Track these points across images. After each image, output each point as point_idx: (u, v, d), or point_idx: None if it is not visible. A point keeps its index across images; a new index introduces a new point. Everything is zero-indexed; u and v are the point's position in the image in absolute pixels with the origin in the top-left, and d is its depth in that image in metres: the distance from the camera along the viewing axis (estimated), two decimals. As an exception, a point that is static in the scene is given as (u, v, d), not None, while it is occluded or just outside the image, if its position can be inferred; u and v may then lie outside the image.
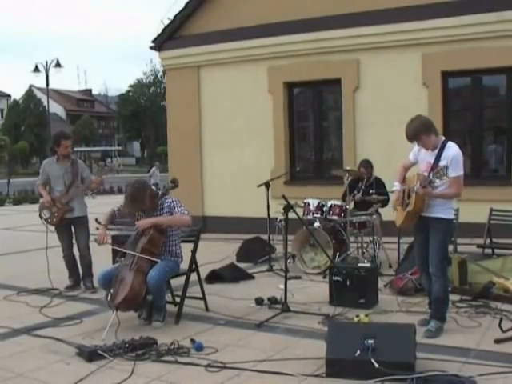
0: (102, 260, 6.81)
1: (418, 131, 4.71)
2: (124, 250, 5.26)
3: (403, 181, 4.99)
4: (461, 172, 4.66)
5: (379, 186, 7.86)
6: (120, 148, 71.27)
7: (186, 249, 5.59)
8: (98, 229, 5.52)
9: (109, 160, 60.26)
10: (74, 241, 6.96)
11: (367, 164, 8.01)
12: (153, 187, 5.60)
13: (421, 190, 4.63)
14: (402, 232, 7.17)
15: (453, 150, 4.68)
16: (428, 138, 4.71)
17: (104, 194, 24.37)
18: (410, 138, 4.78)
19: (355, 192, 7.89)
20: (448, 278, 4.96)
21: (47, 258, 6.61)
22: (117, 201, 6.23)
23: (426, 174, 4.68)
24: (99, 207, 8.49)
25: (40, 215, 6.78)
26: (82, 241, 6.84)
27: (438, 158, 4.67)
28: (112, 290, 5.02)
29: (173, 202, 5.35)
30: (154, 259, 5.13)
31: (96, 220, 7.07)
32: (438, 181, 4.55)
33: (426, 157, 4.79)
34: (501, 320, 4.76)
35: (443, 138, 4.81)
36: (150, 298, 5.25)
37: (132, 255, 5.15)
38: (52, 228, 6.81)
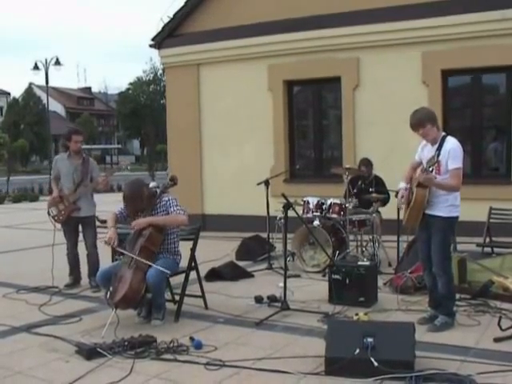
0: (102, 259, 6.81)
1: (423, 119, 4.77)
2: (124, 252, 5.25)
3: (410, 180, 5.01)
4: (458, 164, 4.68)
5: (379, 184, 7.86)
6: (120, 146, 71.20)
7: (185, 247, 5.59)
8: (98, 227, 5.51)
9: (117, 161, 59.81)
10: (79, 240, 6.95)
11: (367, 162, 8.01)
12: (150, 185, 5.58)
13: (421, 176, 4.68)
14: (402, 230, 7.17)
15: (451, 143, 4.74)
16: (432, 127, 4.78)
17: (104, 193, 24.31)
18: (414, 126, 4.83)
19: (354, 191, 7.89)
20: (452, 274, 4.97)
21: (53, 255, 6.60)
22: (116, 199, 6.22)
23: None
24: (99, 206, 8.44)
25: (48, 212, 6.79)
26: (89, 240, 6.81)
27: (438, 152, 4.72)
28: (111, 288, 5.02)
29: (169, 200, 5.34)
30: (149, 263, 5.09)
31: (97, 218, 7.07)
32: (431, 168, 4.62)
33: (428, 153, 4.83)
34: (500, 319, 4.77)
35: (443, 134, 4.86)
36: (150, 296, 5.25)
37: (131, 253, 5.14)
38: (58, 226, 6.80)
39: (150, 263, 5.08)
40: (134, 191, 5.26)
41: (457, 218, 4.85)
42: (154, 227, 5.20)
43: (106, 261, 6.51)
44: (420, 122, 4.78)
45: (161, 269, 5.01)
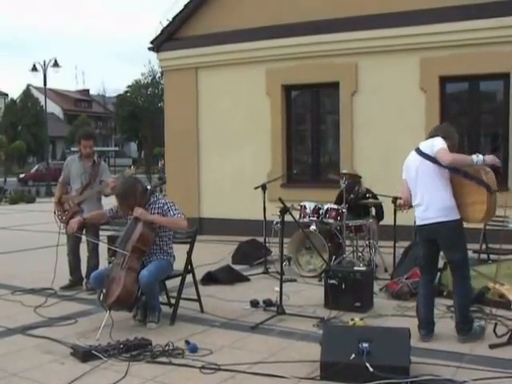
0: (103, 262, 6.79)
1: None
2: (117, 249, 5.24)
3: None
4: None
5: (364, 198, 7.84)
6: (117, 149, 71.12)
7: (181, 250, 5.59)
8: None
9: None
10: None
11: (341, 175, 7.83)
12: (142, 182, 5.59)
13: None
14: (398, 236, 7.19)
15: None
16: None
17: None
18: None
19: (351, 196, 7.88)
20: (424, 287, 4.86)
21: (57, 255, 6.56)
22: (110, 201, 6.21)
23: None
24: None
25: (54, 211, 6.80)
26: (90, 243, 6.77)
27: None
28: (104, 290, 5.02)
29: (167, 204, 5.32)
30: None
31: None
32: None
33: None
34: (495, 325, 4.77)
35: None
36: (145, 299, 5.25)
37: (123, 254, 5.15)
38: (62, 227, 6.77)
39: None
40: (128, 188, 5.27)
41: (418, 226, 4.80)
42: (146, 227, 5.19)
43: (104, 263, 6.50)
44: None
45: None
